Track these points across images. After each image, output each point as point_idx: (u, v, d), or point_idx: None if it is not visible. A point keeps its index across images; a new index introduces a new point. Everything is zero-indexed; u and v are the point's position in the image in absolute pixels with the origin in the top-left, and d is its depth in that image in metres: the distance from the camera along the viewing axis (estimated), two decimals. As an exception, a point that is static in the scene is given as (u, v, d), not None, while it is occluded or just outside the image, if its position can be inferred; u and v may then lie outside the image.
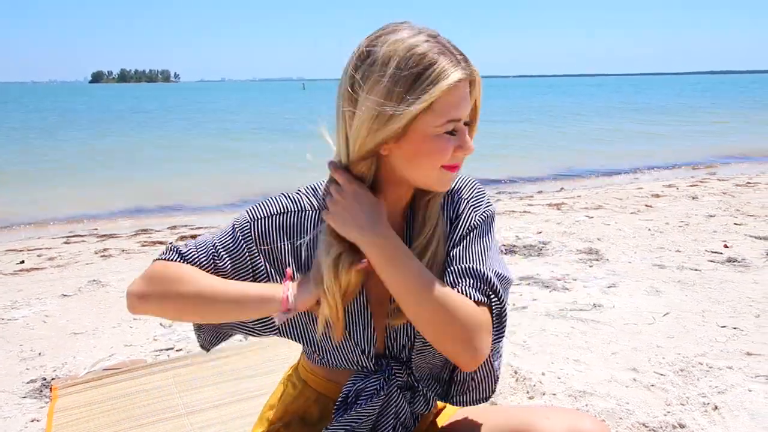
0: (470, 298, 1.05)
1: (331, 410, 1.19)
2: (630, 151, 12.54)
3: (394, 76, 0.97)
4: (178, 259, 1.13)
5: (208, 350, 1.25)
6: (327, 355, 1.19)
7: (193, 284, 1.09)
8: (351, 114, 1.02)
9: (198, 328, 1.23)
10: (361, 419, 1.14)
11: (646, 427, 1.97)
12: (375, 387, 1.14)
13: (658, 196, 6.82)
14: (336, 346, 1.16)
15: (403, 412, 1.18)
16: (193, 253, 1.14)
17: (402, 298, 1.05)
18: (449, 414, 1.31)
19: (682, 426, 1.95)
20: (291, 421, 1.28)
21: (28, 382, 2.50)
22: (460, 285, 1.07)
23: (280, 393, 1.33)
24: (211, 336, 1.23)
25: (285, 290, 1.07)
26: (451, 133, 1.02)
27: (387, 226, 1.06)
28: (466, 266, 1.08)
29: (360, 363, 1.17)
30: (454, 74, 0.98)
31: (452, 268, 1.10)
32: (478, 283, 1.07)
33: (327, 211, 1.07)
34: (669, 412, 2.06)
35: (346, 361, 1.18)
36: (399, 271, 1.03)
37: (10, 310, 3.42)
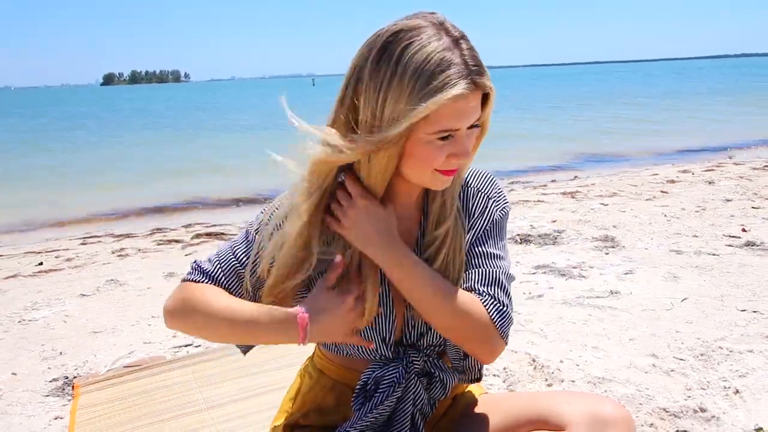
0: (485, 304, 1.08)
1: (347, 398, 1.20)
2: (642, 139, 12.41)
3: (401, 81, 0.95)
4: (204, 279, 1.16)
5: (245, 353, 1.24)
6: (345, 345, 1.19)
7: (212, 310, 1.10)
8: (355, 107, 1.01)
9: None
10: (383, 413, 1.14)
11: (667, 411, 1.95)
12: (395, 375, 1.14)
13: (673, 181, 6.76)
14: (359, 334, 1.16)
15: (420, 399, 1.18)
16: (217, 270, 1.16)
17: (418, 306, 1.09)
18: (467, 399, 1.31)
19: (703, 410, 1.94)
20: (309, 411, 1.29)
21: (50, 381, 2.53)
22: (479, 288, 1.10)
23: (298, 385, 1.34)
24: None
25: (301, 324, 1.06)
26: (446, 138, 1.00)
27: (397, 241, 1.08)
28: (485, 270, 1.11)
29: (379, 351, 1.17)
30: (457, 88, 0.94)
31: (473, 271, 1.12)
32: (495, 289, 1.10)
33: (339, 223, 1.09)
34: (690, 396, 2.05)
35: (364, 350, 1.18)
36: (413, 283, 1.07)
37: (30, 311, 3.46)
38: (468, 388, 1.36)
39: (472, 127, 1.02)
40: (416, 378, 1.17)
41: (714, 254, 3.78)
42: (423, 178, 1.05)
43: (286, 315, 1.06)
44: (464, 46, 0.97)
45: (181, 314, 1.13)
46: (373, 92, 0.98)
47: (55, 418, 2.23)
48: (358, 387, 1.16)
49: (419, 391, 1.18)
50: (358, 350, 1.18)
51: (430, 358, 1.19)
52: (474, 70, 0.97)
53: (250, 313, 1.08)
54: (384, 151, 1.00)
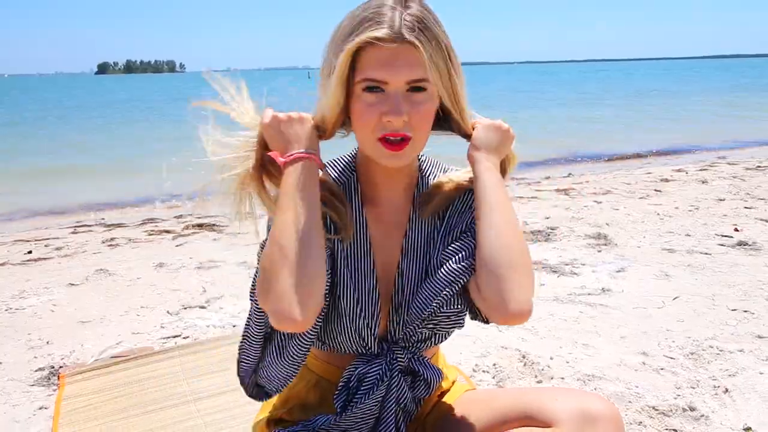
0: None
1: (330, 394, 1.18)
2: (639, 137, 12.42)
3: (337, 29, 1.02)
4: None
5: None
6: (330, 337, 1.16)
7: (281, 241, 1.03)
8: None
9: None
10: (367, 413, 1.13)
11: (656, 410, 1.95)
12: (378, 372, 1.13)
13: (667, 180, 6.76)
14: (344, 324, 1.13)
15: (404, 398, 1.17)
16: None
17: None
18: (454, 396, 1.29)
19: (692, 409, 1.93)
20: (293, 407, 1.27)
21: (36, 371, 2.51)
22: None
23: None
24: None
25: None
26: (373, 90, 0.99)
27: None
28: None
29: (364, 340, 1.14)
30: (375, 32, 0.96)
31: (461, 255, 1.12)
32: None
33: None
34: (679, 395, 2.04)
35: (349, 339, 1.15)
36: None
37: (18, 299, 3.43)
38: (455, 385, 1.34)
39: (413, 89, 1.00)
40: (400, 376, 1.15)
41: (706, 253, 3.78)
42: (367, 145, 1.05)
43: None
44: (413, 6, 0.99)
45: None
46: (324, 49, 1.05)
47: (40, 408, 2.20)
48: (341, 384, 1.14)
49: (403, 390, 1.16)
50: (345, 339, 1.15)
51: (415, 356, 1.17)
52: (406, 23, 0.97)
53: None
54: (327, 99, 1.03)
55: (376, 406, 1.14)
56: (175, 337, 2.80)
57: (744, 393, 2.04)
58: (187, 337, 2.79)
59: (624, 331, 2.65)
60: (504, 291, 1.02)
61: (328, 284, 1.05)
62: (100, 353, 2.65)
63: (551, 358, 2.39)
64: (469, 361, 2.40)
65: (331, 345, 1.18)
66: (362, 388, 1.13)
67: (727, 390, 2.07)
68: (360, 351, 1.16)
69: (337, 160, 1.19)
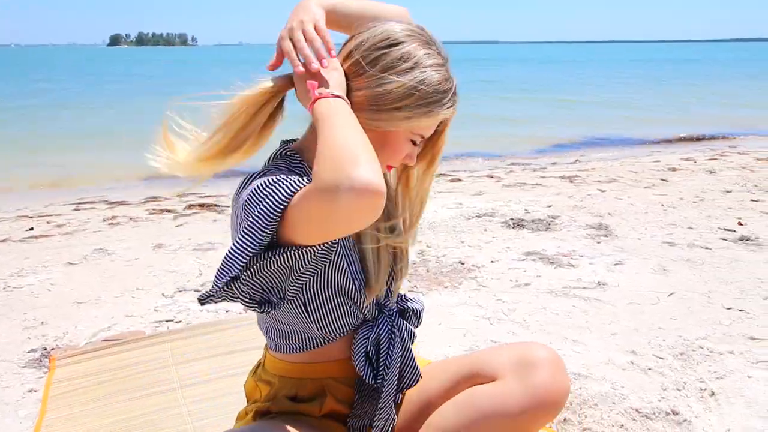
0: None
1: (321, 390, 1.25)
2: (647, 124, 12.27)
3: (415, 84, 1.10)
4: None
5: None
6: (330, 324, 1.21)
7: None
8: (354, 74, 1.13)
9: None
10: (394, 368, 1.23)
11: (639, 412, 1.94)
12: (388, 328, 1.23)
13: (674, 169, 6.69)
14: (343, 304, 1.20)
15: (410, 334, 1.31)
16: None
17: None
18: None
19: (675, 413, 1.92)
20: (280, 399, 1.28)
21: (28, 352, 2.53)
22: None
23: (258, 395, 1.33)
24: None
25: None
26: (415, 143, 1.18)
27: None
28: None
29: (368, 308, 1.23)
30: (448, 111, 1.15)
31: None
32: None
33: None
34: (664, 397, 2.03)
35: (352, 315, 1.22)
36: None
37: (16, 277, 3.46)
38: (421, 360, 1.47)
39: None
40: (400, 320, 1.29)
41: (707, 248, 3.74)
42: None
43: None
44: (454, 80, 1.17)
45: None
46: (376, 82, 1.10)
47: (29, 391, 2.23)
48: (360, 360, 1.21)
49: (404, 329, 1.29)
50: (347, 320, 1.22)
51: (398, 298, 1.33)
52: (456, 98, 1.17)
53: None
54: (380, 122, 1.12)
55: (400, 358, 1.25)
56: (168, 321, 2.81)
57: (730, 397, 2.03)
58: (180, 321, 2.81)
59: (615, 327, 2.63)
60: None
61: (326, 258, 1.14)
62: (92, 336, 2.67)
63: (539, 354, 2.38)
64: (457, 354, 2.39)
65: (330, 333, 1.21)
66: (382, 351, 1.21)
67: (713, 393, 2.05)
68: (357, 322, 1.23)
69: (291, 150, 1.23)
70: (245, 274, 1.03)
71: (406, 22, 1.17)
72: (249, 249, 1.00)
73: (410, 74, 1.10)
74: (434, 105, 1.12)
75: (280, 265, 1.05)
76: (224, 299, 1.06)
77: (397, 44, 1.11)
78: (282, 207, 1.00)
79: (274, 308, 1.13)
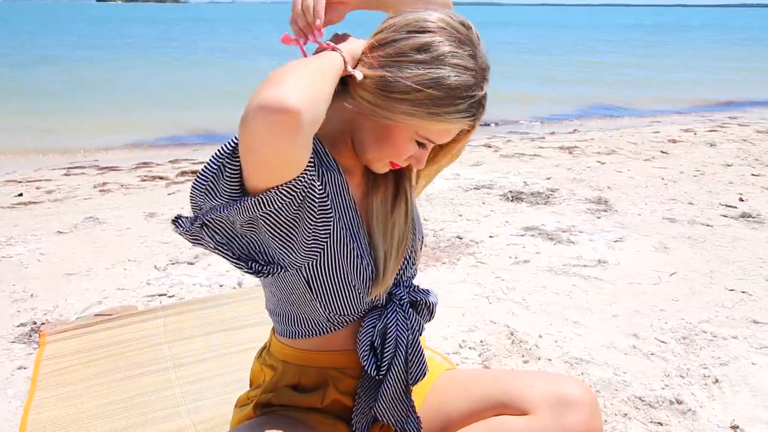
0: None
1: (324, 381, 1.21)
2: (647, 93, 12.13)
3: (426, 81, 1.00)
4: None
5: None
6: (337, 309, 1.14)
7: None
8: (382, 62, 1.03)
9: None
10: (399, 361, 1.17)
11: (642, 401, 1.91)
12: (396, 318, 1.17)
13: (674, 141, 6.61)
14: (349, 290, 1.14)
15: (419, 326, 1.23)
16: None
17: None
18: (433, 376, 1.31)
19: (679, 402, 1.89)
20: (282, 390, 1.24)
21: (18, 326, 2.47)
22: None
23: (261, 379, 1.27)
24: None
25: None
26: (420, 144, 1.08)
27: None
28: None
29: (376, 297, 1.17)
30: (461, 122, 1.04)
31: None
32: None
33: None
34: (667, 385, 2.00)
35: (359, 302, 1.15)
36: None
37: (5, 246, 3.38)
38: (434, 365, 1.35)
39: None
40: (411, 311, 1.21)
41: (708, 225, 3.70)
42: (373, 156, 1.09)
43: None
44: (485, 86, 1.06)
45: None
46: (387, 63, 1.02)
47: (19, 368, 2.17)
48: (365, 350, 1.15)
49: (414, 320, 1.22)
50: (354, 306, 1.15)
51: (410, 289, 1.23)
52: (481, 111, 1.07)
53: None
54: (372, 112, 1.04)
55: (406, 351, 1.19)
56: (160, 295, 2.76)
57: (734, 385, 2.00)
58: (173, 295, 2.75)
59: (617, 308, 2.59)
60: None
61: (324, 239, 1.07)
62: (83, 310, 2.61)
63: (540, 336, 2.35)
64: (455, 336, 2.35)
65: (335, 313, 1.15)
66: (389, 342, 1.16)
67: (717, 380, 2.02)
68: (365, 307, 1.17)
69: None
70: (210, 216, 0.99)
71: (448, 15, 1.06)
72: (205, 177, 0.99)
73: (424, 68, 1.00)
74: (443, 110, 1.01)
75: (242, 214, 0.98)
76: (195, 239, 1.03)
77: (422, 32, 1.02)
78: (235, 142, 0.97)
79: (265, 274, 1.07)
